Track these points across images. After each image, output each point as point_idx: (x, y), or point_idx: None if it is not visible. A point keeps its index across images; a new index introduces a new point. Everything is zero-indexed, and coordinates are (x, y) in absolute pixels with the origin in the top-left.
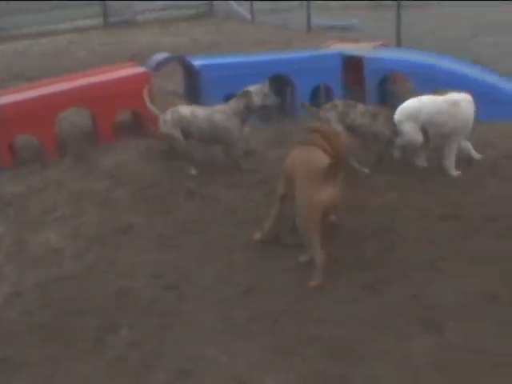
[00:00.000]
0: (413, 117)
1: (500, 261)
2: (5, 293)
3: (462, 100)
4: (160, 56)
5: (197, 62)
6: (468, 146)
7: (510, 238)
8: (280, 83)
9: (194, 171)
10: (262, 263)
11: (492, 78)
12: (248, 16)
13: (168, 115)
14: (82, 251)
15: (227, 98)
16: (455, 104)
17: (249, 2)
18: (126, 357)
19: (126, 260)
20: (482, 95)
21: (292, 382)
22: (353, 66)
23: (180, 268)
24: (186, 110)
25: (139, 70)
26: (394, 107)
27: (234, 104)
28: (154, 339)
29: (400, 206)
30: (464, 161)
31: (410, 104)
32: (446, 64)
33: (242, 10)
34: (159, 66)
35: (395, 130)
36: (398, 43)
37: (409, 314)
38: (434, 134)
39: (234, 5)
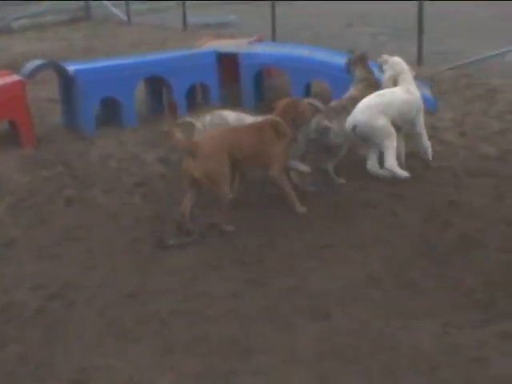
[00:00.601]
0: (385, 111)
1: (378, 245)
2: None
3: (412, 87)
4: (33, 63)
5: (71, 67)
6: None
7: (387, 224)
8: (157, 84)
9: None
10: (145, 266)
11: None
12: (124, 17)
13: (207, 119)
14: None
15: (104, 103)
16: (410, 91)
17: (125, 2)
18: (16, 371)
19: (10, 273)
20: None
21: (184, 381)
22: (228, 62)
23: (64, 276)
24: (230, 114)
25: (14, 78)
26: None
27: None
28: (42, 351)
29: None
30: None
31: (379, 99)
32: (321, 55)
33: (119, 11)
34: (33, 73)
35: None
36: (274, 37)
37: (294, 305)
38: (403, 123)
39: (110, 7)
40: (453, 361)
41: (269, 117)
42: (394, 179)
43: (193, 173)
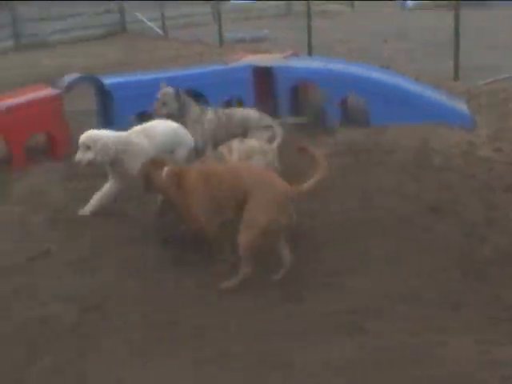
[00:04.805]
0: None
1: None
2: None
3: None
4: (71, 76)
5: (107, 81)
6: None
7: (424, 239)
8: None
9: None
10: (181, 279)
11: (404, 83)
12: (161, 32)
13: (235, 144)
14: (1, 279)
15: (139, 117)
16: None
17: (161, 17)
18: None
19: (46, 285)
20: (393, 99)
21: None
22: (264, 77)
23: (100, 289)
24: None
25: (51, 91)
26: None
27: None
28: (77, 363)
29: (315, 214)
30: None
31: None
32: (356, 70)
33: (155, 26)
34: (70, 86)
35: None
36: (310, 52)
37: (332, 320)
38: None
39: (146, 21)
40: (491, 378)
41: None
42: (432, 194)
43: None
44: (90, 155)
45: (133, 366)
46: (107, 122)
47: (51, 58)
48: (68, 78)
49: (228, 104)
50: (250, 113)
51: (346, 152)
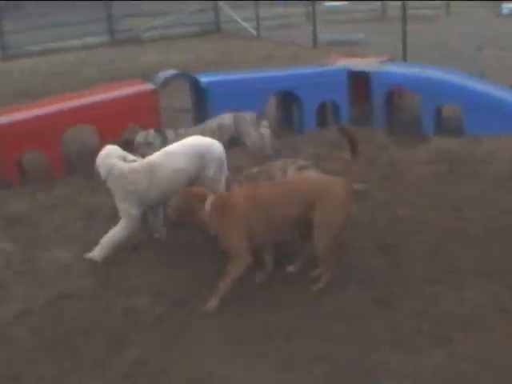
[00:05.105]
0: None
1: (505, 273)
2: (15, 310)
3: None
4: (167, 73)
5: (204, 79)
6: None
7: (483, 251)
8: (287, 99)
9: None
10: (270, 281)
11: (499, 92)
12: (254, 32)
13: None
14: (91, 269)
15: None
16: None
17: (255, 18)
18: (132, 375)
19: (134, 277)
20: (490, 109)
21: None
22: (359, 81)
23: (189, 284)
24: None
25: (146, 86)
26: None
27: None
28: (161, 357)
29: (407, 221)
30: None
31: None
32: (452, 78)
33: (249, 26)
34: (166, 82)
35: None
36: (404, 57)
37: (418, 328)
38: None
39: (241, 22)
40: None
41: None
42: None
43: None
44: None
45: (218, 363)
46: (201, 119)
47: (146, 53)
48: (164, 75)
49: (322, 106)
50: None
51: (440, 160)
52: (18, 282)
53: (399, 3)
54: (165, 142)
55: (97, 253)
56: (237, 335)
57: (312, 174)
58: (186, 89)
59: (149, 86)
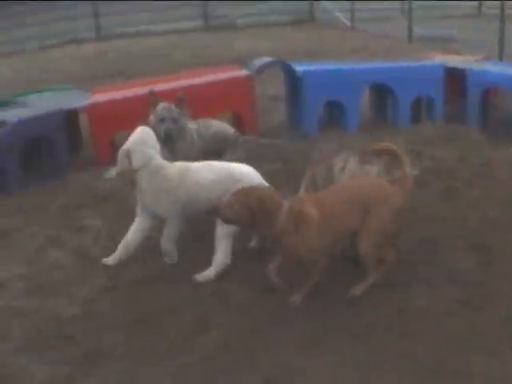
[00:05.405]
0: None
1: None
2: (100, 286)
3: None
4: (262, 60)
5: (299, 68)
6: None
7: None
8: (380, 93)
9: None
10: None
11: None
12: (348, 24)
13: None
14: (179, 248)
15: (327, 105)
16: None
17: (350, 9)
18: (216, 356)
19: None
20: None
21: None
22: (454, 79)
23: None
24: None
25: (242, 72)
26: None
27: None
28: (246, 341)
29: (498, 220)
30: None
31: None
32: None
33: (342, 17)
34: (261, 69)
35: None
36: (501, 56)
37: (507, 333)
38: None
39: (335, 12)
40: None
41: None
42: None
43: None
44: None
45: (300, 354)
46: (295, 108)
47: (240, 40)
48: (259, 61)
49: (417, 101)
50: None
51: None
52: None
53: (496, 2)
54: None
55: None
56: (320, 329)
57: (373, 170)
58: (279, 77)
59: (244, 72)
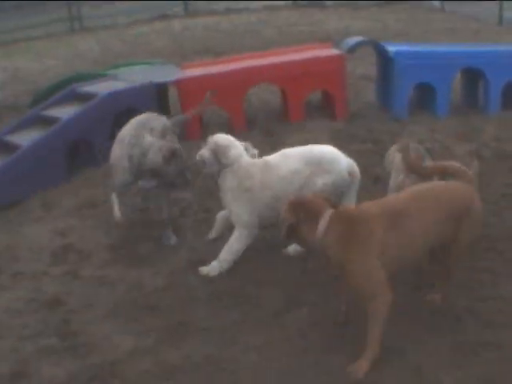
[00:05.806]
0: None
1: None
2: (189, 259)
3: None
4: (354, 39)
5: (391, 48)
6: None
7: None
8: (474, 76)
9: None
10: None
11: None
12: (438, 5)
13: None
14: None
15: (418, 88)
16: None
17: None
18: (307, 335)
19: None
20: None
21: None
22: None
23: None
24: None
25: (333, 51)
26: None
27: None
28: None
29: None
30: None
31: None
32: None
33: None
34: (352, 48)
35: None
36: None
37: None
38: None
39: None
40: None
41: None
42: None
43: None
44: None
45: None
46: (385, 89)
47: (329, 19)
48: (351, 41)
49: (509, 86)
50: None
51: None
52: (195, 231)
53: None
54: None
55: (214, 267)
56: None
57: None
58: (369, 56)
59: (336, 51)
